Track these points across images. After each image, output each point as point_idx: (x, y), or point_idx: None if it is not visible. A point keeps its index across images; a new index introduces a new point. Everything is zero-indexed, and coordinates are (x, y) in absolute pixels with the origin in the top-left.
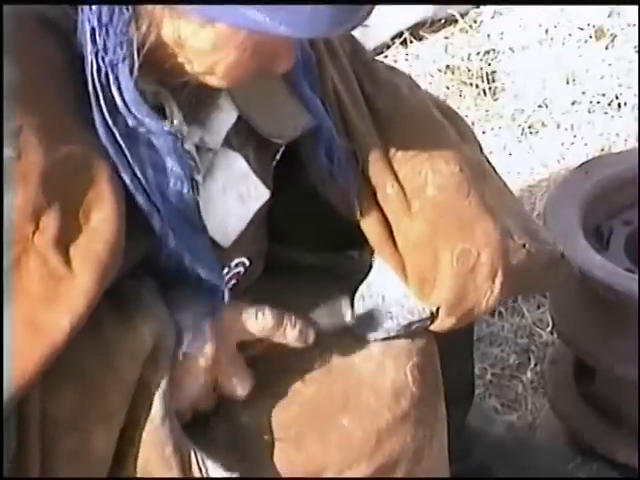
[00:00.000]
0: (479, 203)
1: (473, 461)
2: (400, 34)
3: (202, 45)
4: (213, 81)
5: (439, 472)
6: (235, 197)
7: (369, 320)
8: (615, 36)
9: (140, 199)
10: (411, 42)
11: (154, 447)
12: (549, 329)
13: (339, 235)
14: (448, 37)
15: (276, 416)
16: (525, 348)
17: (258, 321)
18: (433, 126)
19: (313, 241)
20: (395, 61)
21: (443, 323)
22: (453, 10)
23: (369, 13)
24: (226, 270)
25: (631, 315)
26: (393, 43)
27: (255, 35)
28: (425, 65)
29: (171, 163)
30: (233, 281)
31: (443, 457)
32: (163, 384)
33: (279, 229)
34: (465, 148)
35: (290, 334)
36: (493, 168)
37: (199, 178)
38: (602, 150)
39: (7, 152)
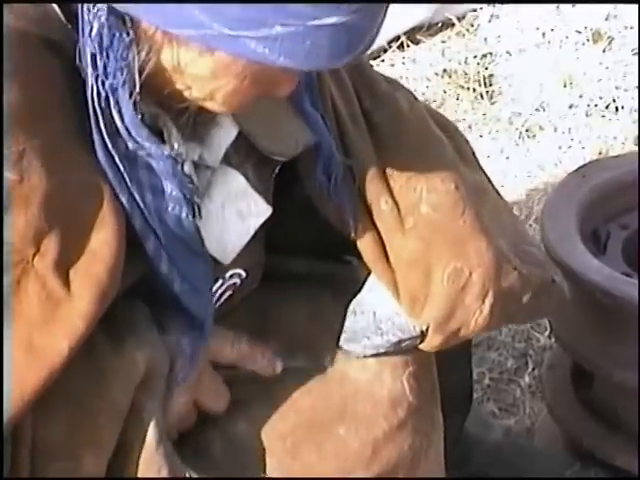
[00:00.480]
0: (474, 222)
1: (471, 468)
2: (397, 38)
3: (201, 73)
4: (213, 106)
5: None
6: (234, 214)
7: (359, 336)
8: (612, 39)
9: (137, 222)
10: (408, 46)
11: (150, 472)
12: (547, 333)
13: (336, 244)
14: (445, 41)
15: (272, 426)
16: (523, 352)
17: (234, 350)
18: (431, 143)
19: (310, 249)
20: (392, 65)
21: (431, 341)
22: (450, 14)
23: (369, 46)
24: (220, 282)
25: (629, 320)
26: (390, 47)
27: (255, 64)
28: (422, 69)
29: (170, 187)
30: (229, 292)
31: (440, 466)
32: (156, 409)
33: (276, 238)
34: (462, 165)
35: (260, 364)
36: (492, 184)
37: (199, 201)
38: (600, 153)
39: (9, 175)
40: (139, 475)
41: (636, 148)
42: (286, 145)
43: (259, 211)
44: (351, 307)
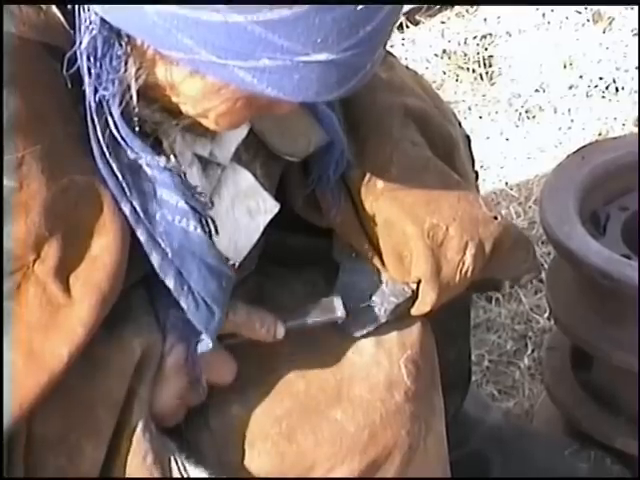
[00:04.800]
0: (443, 177)
1: (470, 448)
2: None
3: (192, 93)
4: (208, 124)
5: (436, 467)
6: (244, 212)
7: (355, 316)
8: (613, 19)
9: (141, 233)
10: (407, 27)
11: (136, 458)
12: (546, 315)
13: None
14: (444, 22)
15: (267, 410)
16: (522, 334)
17: (229, 318)
18: (399, 107)
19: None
20: (392, 46)
21: (424, 299)
22: None
23: (363, 80)
24: None
25: (628, 302)
26: None
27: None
28: (421, 50)
29: (176, 198)
30: None
31: (441, 452)
32: (144, 394)
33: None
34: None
35: (259, 331)
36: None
37: (210, 214)
38: (600, 135)
39: (8, 183)
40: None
41: (636, 129)
42: (298, 145)
43: (267, 208)
44: (335, 292)
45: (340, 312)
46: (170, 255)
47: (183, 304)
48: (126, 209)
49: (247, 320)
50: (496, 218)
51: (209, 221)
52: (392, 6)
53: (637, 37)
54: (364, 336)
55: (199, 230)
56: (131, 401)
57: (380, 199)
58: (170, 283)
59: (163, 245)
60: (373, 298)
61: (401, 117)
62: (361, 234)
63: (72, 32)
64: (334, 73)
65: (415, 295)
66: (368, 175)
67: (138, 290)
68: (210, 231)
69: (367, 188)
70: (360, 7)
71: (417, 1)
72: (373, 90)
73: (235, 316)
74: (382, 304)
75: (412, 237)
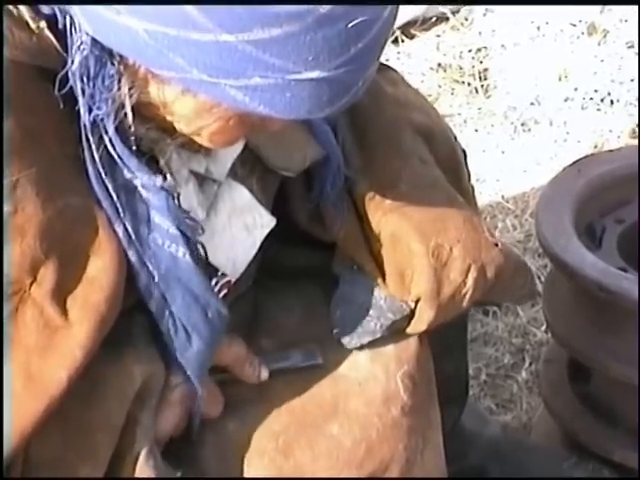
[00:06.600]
0: (450, 198)
1: (468, 462)
2: (392, 32)
3: (185, 112)
4: (202, 142)
5: None
6: (241, 228)
7: (350, 327)
8: (607, 32)
9: (131, 254)
10: (402, 41)
11: None
12: (543, 328)
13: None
14: (440, 35)
15: (264, 425)
16: (519, 347)
17: (224, 351)
18: (406, 124)
19: (303, 239)
20: (387, 60)
21: (422, 317)
22: (444, 8)
23: (356, 97)
24: (214, 281)
25: (625, 314)
26: None
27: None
28: (417, 63)
29: (167, 224)
30: (223, 291)
31: (438, 466)
32: (148, 422)
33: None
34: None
35: (246, 370)
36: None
37: (200, 241)
38: (595, 147)
39: (4, 207)
40: None
41: (631, 141)
42: (293, 160)
43: (264, 223)
44: (333, 303)
45: (320, 359)
46: (156, 278)
47: (162, 328)
48: (119, 230)
49: (239, 357)
50: (497, 245)
51: (199, 247)
52: (383, 23)
53: (632, 49)
54: (358, 349)
55: (187, 257)
56: (133, 428)
57: (388, 215)
58: (152, 306)
59: (150, 268)
60: (370, 312)
61: (409, 132)
62: (364, 249)
63: (65, 54)
64: (326, 90)
65: (412, 314)
66: (376, 190)
67: (138, 317)
68: (199, 258)
69: (375, 203)
70: (351, 24)
71: (426, 2)
72: (377, 99)
73: (230, 349)
74: (379, 319)
75: (417, 254)
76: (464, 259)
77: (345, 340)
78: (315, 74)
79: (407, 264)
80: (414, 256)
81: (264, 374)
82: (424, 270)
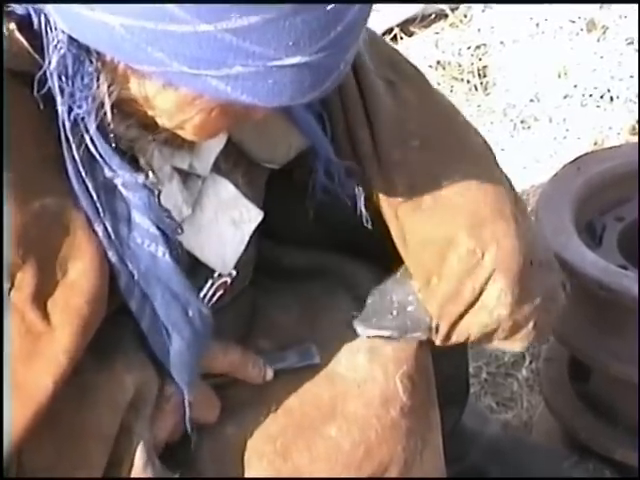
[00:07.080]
0: (495, 205)
1: (469, 461)
2: (390, 30)
3: (167, 106)
4: (185, 136)
5: None
6: (228, 223)
7: (369, 315)
8: (607, 28)
9: (111, 254)
10: (401, 38)
11: None
12: None
13: (332, 234)
14: (438, 32)
15: (262, 428)
16: None
17: (226, 360)
18: (457, 124)
19: (305, 238)
20: None
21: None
22: (443, 5)
23: (337, 81)
24: (210, 282)
25: (625, 312)
26: None
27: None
28: (416, 61)
29: (148, 223)
30: (220, 292)
31: (438, 467)
32: (145, 431)
33: (270, 226)
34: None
35: (251, 372)
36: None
37: (179, 240)
38: (595, 144)
39: None
40: None
41: (631, 138)
42: (277, 151)
43: (251, 217)
44: (375, 289)
45: (317, 359)
46: (136, 277)
47: (143, 326)
48: (99, 230)
49: (241, 361)
50: (531, 264)
51: (178, 246)
52: (362, 4)
53: (631, 46)
54: (356, 349)
55: (167, 256)
56: (129, 435)
57: (425, 216)
58: (133, 305)
59: (130, 267)
60: (393, 310)
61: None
62: (403, 251)
63: (37, 56)
64: (308, 76)
65: (429, 333)
66: (414, 192)
67: (126, 322)
68: (179, 257)
69: (413, 205)
70: (329, 7)
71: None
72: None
73: (226, 357)
74: (395, 319)
75: (446, 262)
76: (493, 269)
77: (359, 328)
78: (296, 59)
79: (434, 269)
80: (444, 263)
81: (269, 374)
82: (451, 273)
